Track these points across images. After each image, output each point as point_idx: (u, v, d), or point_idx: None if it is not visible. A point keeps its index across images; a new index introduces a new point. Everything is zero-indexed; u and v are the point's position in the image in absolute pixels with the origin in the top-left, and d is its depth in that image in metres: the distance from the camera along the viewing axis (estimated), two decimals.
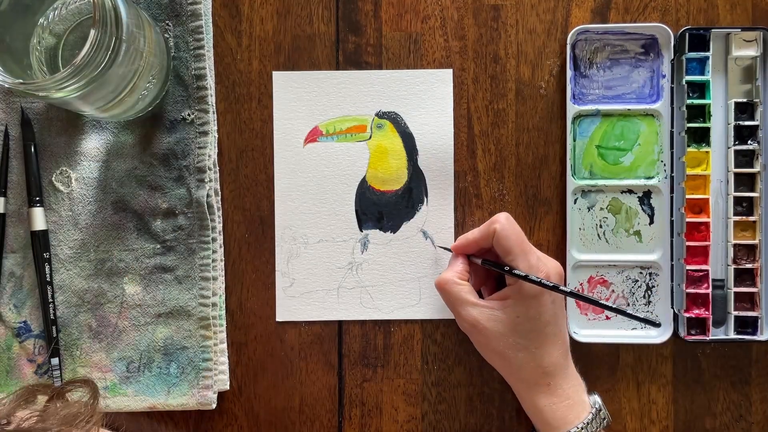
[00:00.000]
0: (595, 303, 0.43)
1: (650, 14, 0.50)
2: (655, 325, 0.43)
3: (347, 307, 0.51)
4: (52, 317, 0.48)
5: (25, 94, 0.40)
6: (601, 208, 0.50)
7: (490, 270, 0.47)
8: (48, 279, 0.48)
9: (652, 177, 0.50)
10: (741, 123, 0.48)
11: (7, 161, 0.49)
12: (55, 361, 0.48)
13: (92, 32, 0.38)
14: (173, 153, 0.49)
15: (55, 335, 0.49)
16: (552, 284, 0.43)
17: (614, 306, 0.43)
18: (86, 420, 0.38)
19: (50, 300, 0.48)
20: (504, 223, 0.45)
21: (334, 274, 0.51)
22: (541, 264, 0.44)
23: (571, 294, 0.44)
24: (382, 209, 0.51)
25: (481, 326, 0.44)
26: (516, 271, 0.44)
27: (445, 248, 0.50)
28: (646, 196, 0.50)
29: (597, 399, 0.46)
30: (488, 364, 0.50)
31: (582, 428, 0.43)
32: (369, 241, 0.51)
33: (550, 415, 0.44)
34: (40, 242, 0.48)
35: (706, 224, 0.49)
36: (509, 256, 0.44)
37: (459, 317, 0.46)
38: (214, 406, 0.49)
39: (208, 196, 0.49)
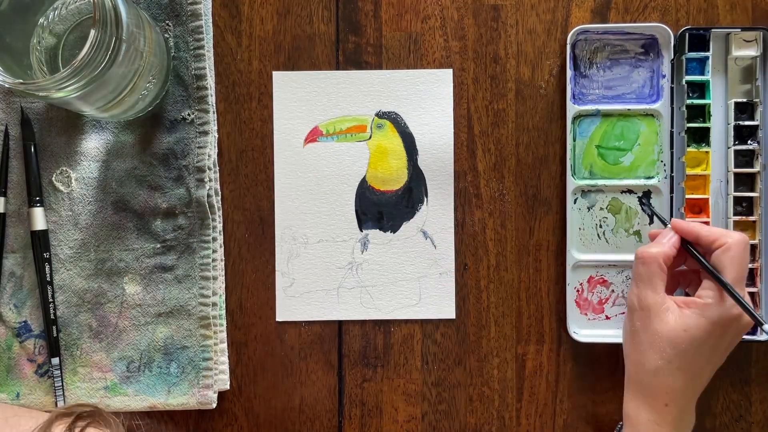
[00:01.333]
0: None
1: (650, 14, 0.50)
2: (761, 323, 0.41)
3: (347, 307, 0.51)
4: (52, 317, 0.48)
5: (25, 94, 0.40)
6: (601, 208, 0.50)
7: (672, 263, 0.45)
8: (48, 279, 0.48)
9: (652, 177, 0.50)
10: (741, 123, 0.48)
11: (7, 161, 0.49)
12: (55, 361, 0.48)
13: (92, 32, 0.38)
14: (173, 153, 0.49)
15: (55, 335, 0.49)
16: (752, 310, 0.41)
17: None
18: None
19: (50, 300, 0.48)
20: (740, 241, 0.42)
21: (334, 274, 0.51)
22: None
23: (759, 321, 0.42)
24: (382, 209, 0.51)
25: (648, 315, 0.42)
26: (730, 287, 0.41)
27: (662, 218, 0.48)
28: (646, 196, 0.50)
29: None
30: (488, 364, 0.50)
31: None
32: (369, 241, 0.51)
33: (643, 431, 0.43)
34: (40, 242, 0.48)
35: (706, 224, 0.48)
36: (722, 275, 0.42)
37: (639, 295, 0.43)
38: (214, 405, 0.49)
39: (208, 195, 0.49)
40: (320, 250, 0.51)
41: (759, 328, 0.43)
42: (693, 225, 0.45)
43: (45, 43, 0.45)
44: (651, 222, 0.50)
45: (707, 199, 0.49)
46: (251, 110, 0.51)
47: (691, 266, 0.47)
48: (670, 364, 0.42)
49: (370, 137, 0.51)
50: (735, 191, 0.49)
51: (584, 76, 0.50)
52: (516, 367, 0.51)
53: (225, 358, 0.50)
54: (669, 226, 0.46)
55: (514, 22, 0.51)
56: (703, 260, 0.43)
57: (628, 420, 0.44)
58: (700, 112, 0.49)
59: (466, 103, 0.51)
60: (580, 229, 0.50)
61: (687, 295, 0.47)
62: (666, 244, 0.44)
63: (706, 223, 0.48)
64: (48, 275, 0.48)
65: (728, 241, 0.42)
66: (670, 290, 0.45)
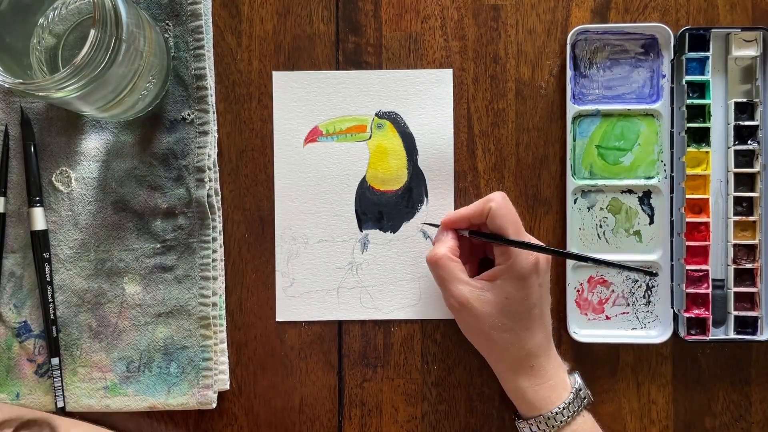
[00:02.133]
0: (586, 259, 0.43)
1: (650, 14, 0.50)
2: (652, 274, 0.44)
3: (347, 307, 0.51)
4: (52, 317, 0.48)
5: (25, 94, 0.40)
6: (601, 208, 0.50)
7: (472, 249, 0.48)
8: (48, 279, 0.48)
9: (652, 177, 0.50)
10: (741, 123, 0.48)
11: (7, 161, 0.49)
12: (55, 361, 0.48)
13: (92, 32, 0.38)
14: (173, 153, 0.49)
15: (55, 335, 0.49)
16: (547, 247, 0.44)
17: (605, 260, 0.43)
18: None
19: (50, 300, 0.48)
20: (500, 201, 0.45)
21: (334, 274, 0.51)
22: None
23: (567, 254, 0.46)
24: (382, 209, 0.51)
25: (470, 305, 0.44)
26: (511, 240, 0.44)
27: (433, 224, 0.50)
28: (646, 196, 0.50)
29: (577, 378, 0.46)
30: (488, 364, 0.50)
31: (564, 408, 0.44)
32: (369, 241, 0.51)
33: (533, 396, 0.45)
34: (40, 242, 0.48)
35: (706, 224, 0.49)
36: (505, 232, 0.44)
37: (449, 295, 0.45)
38: (214, 405, 0.49)
39: (208, 195, 0.49)
40: (320, 250, 0.51)
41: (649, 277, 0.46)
42: (457, 212, 0.47)
43: (45, 43, 0.45)
44: (651, 222, 0.50)
45: (707, 199, 0.49)
46: (251, 110, 0.51)
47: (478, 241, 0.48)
48: (513, 331, 0.44)
49: (370, 137, 0.51)
50: (735, 191, 0.49)
51: (584, 76, 0.50)
52: None
53: (225, 358, 0.50)
54: (440, 225, 0.47)
55: (514, 22, 0.51)
56: (482, 237, 0.45)
57: (516, 398, 0.46)
58: (700, 112, 0.49)
59: (466, 103, 0.51)
60: (580, 229, 0.50)
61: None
62: (445, 239, 0.46)
63: (706, 223, 0.48)
64: (48, 275, 0.48)
65: (491, 206, 0.44)
66: (476, 268, 0.49)
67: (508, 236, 0.44)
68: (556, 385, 0.45)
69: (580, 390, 0.45)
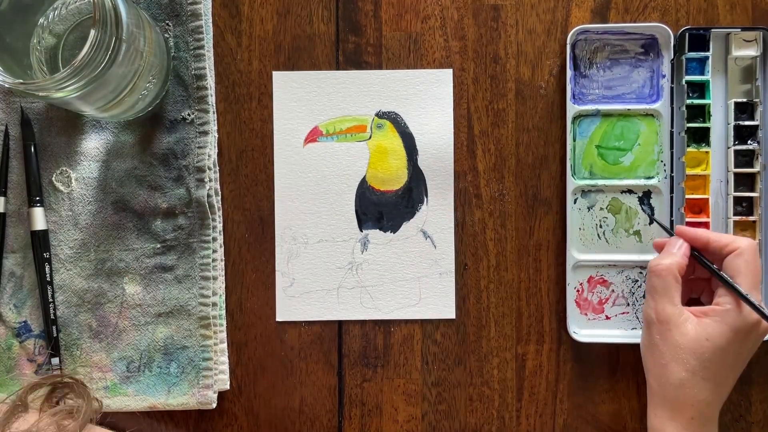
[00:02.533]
0: None
1: (650, 14, 0.50)
2: None
3: (347, 307, 0.51)
4: (52, 317, 0.48)
5: (25, 94, 0.40)
6: (601, 208, 0.50)
7: (687, 279, 0.45)
8: (48, 279, 0.48)
9: (652, 177, 0.50)
10: (741, 123, 0.48)
11: (7, 161, 0.49)
12: (55, 361, 0.48)
13: (92, 32, 0.38)
14: (173, 153, 0.49)
15: (55, 335, 0.49)
16: None
17: None
18: (80, 425, 0.38)
19: (50, 300, 0.48)
20: (752, 246, 0.42)
21: (334, 274, 0.51)
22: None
23: None
24: (382, 209, 0.51)
25: (668, 328, 0.42)
26: (745, 294, 0.40)
27: (666, 228, 0.47)
28: (646, 196, 0.50)
29: None
30: (488, 364, 0.50)
31: None
32: (369, 241, 0.51)
33: None
34: (40, 242, 0.48)
35: (706, 224, 0.49)
36: (737, 277, 0.42)
37: (654, 306, 0.43)
38: (214, 405, 0.49)
39: (208, 195, 0.49)
40: (320, 250, 0.51)
41: None
42: (700, 231, 0.44)
43: (45, 43, 0.45)
44: (651, 222, 0.50)
45: (707, 199, 0.49)
46: (251, 110, 0.51)
47: (700, 274, 0.46)
48: (694, 376, 0.41)
49: (370, 137, 0.51)
50: (735, 191, 0.49)
51: (584, 76, 0.50)
52: (516, 367, 0.51)
53: (225, 358, 0.50)
54: (675, 234, 0.45)
55: (514, 22, 0.51)
56: (714, 268, 0.43)
57: None
58: (700, 112, 0.49)
59: (466, 103, 0.51)
60: (580, 229, 0.50)
61: (700, 304, 0.46)
62: (677, 254, 0.44)
63: (706, 224, 0.48)
64: (48, 275, 0.48)
65: (740, 246, 0.42)
66: (683, 300, 0.44)
67: (741, 283, 0.41)
68: None
69: None
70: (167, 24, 0.49)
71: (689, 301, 0.47)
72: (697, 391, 0.42)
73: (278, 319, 0.51)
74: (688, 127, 0.48)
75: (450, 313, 0.51)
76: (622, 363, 0.50)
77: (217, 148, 0.50)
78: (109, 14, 0.39)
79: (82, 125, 0.49)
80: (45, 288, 0.48)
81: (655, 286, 0.43)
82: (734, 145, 0.49)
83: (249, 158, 0.51)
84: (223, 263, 0.50)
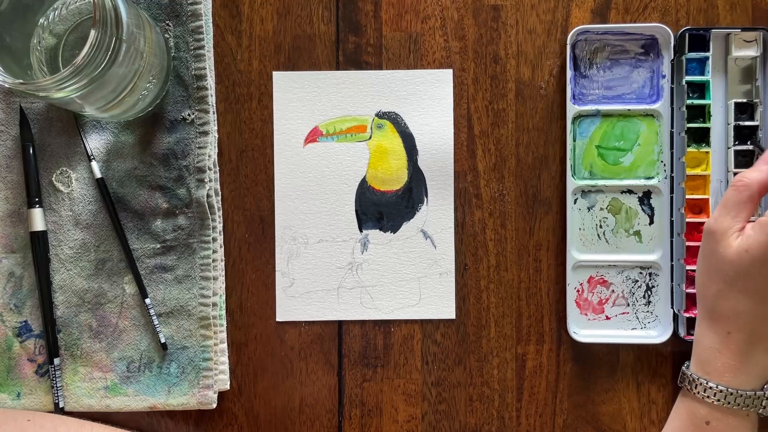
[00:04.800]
0: None
1: (650, 14, 0.50)
2: None
3: (347, 307, 0.51)
4: (52, 317, 0.48)
5: (25, 94, 0.40)
6: (601, 208, 0.50)
7: None
8: (48, 279, 0.48)
9: (652, 177, 0.50)
10: (741, 123, 0.48)
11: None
12: (55, 361, 0.48)
13: (92, 32, 0.38)
14: (173, 153, 0.49)
15: (55, 335, 0.49)
16: None
17: None
18: None
19: (50, 300, 0.48)
20: None
21: (334, 274, 0.51)
22: None
23: None
24: (382, 209, 0.51)
25: (718, 240, 0.41)
26: None
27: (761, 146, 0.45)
28: (646, 196, 0.50)
29: None
30: (488, 364, 0.50)
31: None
32: (369, 241, 0.51)
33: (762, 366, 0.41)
34: (39, 242, 0.48)
35: None
36: None
37: (717, 218, 0.41)
38: (214, 405, 0.49)
39: (208, 196, 0.49)
40: (320, 250, 0.51)
41: None
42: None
43: (45, 43, 0.45)
44: (651, 222, 0.50)
45: (707, 199, 0.49)
46: (251, 110, 0.51)
47: None
48: (731, 287, 0.41)
49: (370, 137, 0.51)
50: None
51: (584, 76, 0.50)
52: (516, 367, 0.51)
53: (225, 358, 0.50)
54: (742, 187, 0.42)
55: (514, 22, 0.51)
56: None
57: (695, 345, 0.44)
58: (700, 113, 0.49)
59: (466, 103, 0.51)
60: (580, 230, 0.50)
61: None
62: (765, 169, 0.41)
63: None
64: (48, 275, 0.48)
65: None
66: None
67: None
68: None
69: None
70: (167, 24, 0.49)
71: None
72: (734, 303, 0.41)
73: (278, 319, 0.51)
74: (688, 128, 0.48)
75: (450, 313, 0.51)
76: (622, 363, 0.51)
77: (217, 148, 0.50)
78: (109, 14, 0.39)
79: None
80: (45, 288, 0.48)
81: (728, 198, 0.41)
82: (734, 145, 0.49)
83: (249, 158, 0.51)
84: (223, 263, 0.50)
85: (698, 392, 0.42)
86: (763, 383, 0.42)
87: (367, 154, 0.51)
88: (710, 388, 0.42)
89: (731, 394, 0.41)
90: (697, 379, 0.43)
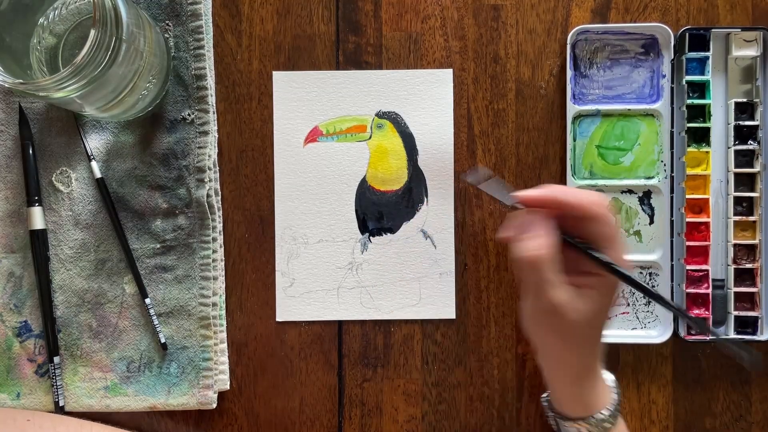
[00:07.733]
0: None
1: (650, 14, 0.50)
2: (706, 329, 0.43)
3: (347, 307, 0.51)
4: (52, 317, 0.48)
5: (25, 94, 0.40)
6: None
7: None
8: (48, 279, 0.48)
9: (652, 177, 0.50)
10: (741, 123, 0.48)
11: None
12: (55, 360, 0.48)
13: (92, 32, 0.38)
14: (173, 153, 0.49)
15: (55, 335, 0.49)
16: (673, 304, 0.40)
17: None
18: None
19: (50, 300, 0.48)
20: (609, 205, 0.40)
21: (334, 274, 0.51)
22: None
23: (656, 298, 0.40)
24: (382, 209, 0.51)
25: (564, 313, 0.38)
26: (624, 271, 0.38)
27: (499, 199, 0.42)
28: (646, 196, 0.50)
29: (610, 375, 0.45)
30: (488, 364, 0.50)
31: (613, 409, 0.43)
32: (369, 241, 0.51)
33: (592, 398, 0.42)
34: (39, 242, 0.48)
35: (706, 224, 0.49)
36: (605, 244, 0.38)
37: (541, 298, 0.38)
38: (214, 405, 0.49)
39: (208, 195, 0.49)
40: (320, 250, 0.51)
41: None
42: (555, 190, 0.38)
43: (45, 43, 0.45)
44: (651, 222, 0.50)
45: (707, 199, 0.49)
46: (251, 110, 0.51)
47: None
48: (594, 340, 0.41)
49: (370, 137, 0.51)
50: (735, 191, 0.49)
51: (584, 76, 0.50)
52: (516, 367, 0.51)
53: (225, 358, 0.50)
54: (520, 202, 0.39)
55: (514, 22, 0.51)
56: (586, 251, 0.39)
57: (572, 401, 0.43)
58: (700, 112, 0.49)
59: (466, 103, 0.51)
60: None
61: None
62: (543, 234, 0.38)
63: (706, 224, 0.48)
64: (48, 275, 0.48)
65: (602, 212, 0.38)
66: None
67: (613, 248, 0.38)
68: (605, 385, 0.43)
69: (617, 386, 0.45)
70: (167, 24, 0.49)
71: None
72: (597, 350, 0.42)
73: (278, 319, 0.51)
74: (688, 127, 0.48)
75: (450, 313, 0.51)
76: (622, 363, 0.50)
77: (217, 148, 0.50)
78: (109, 14, 0.39)
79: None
80: (45, 288, 0.48)
81: (537, 279, 0.39)
82: (734, 145, 0.49)
83: (249, 158, 0.51)
84: (223, 263, 0.50)
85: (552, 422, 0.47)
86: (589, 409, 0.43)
87: (367, 154, 0.51)
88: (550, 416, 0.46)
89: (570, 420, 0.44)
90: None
